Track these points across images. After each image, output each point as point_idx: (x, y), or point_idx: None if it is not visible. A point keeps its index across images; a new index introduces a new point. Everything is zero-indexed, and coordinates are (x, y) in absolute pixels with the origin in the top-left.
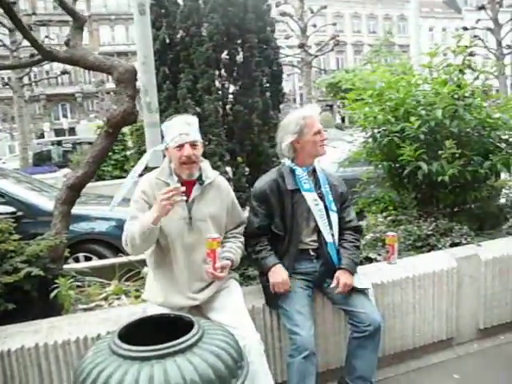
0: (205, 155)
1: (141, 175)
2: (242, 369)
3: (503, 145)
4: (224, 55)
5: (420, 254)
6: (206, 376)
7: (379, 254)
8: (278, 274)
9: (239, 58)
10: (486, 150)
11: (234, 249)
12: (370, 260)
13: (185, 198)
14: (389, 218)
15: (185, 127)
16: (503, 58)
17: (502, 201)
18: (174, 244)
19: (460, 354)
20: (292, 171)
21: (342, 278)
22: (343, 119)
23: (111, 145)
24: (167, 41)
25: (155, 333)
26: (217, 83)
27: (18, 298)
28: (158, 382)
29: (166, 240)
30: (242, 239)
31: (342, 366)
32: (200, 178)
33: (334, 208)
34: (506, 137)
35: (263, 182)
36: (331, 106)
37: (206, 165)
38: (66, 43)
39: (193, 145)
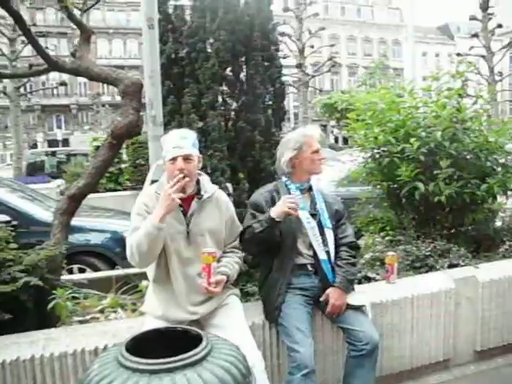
0: (207, 170)
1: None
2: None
3: (499, 168)
4: (228, 71)
5: (418, 274)
6: None
7: (378, 274)
8: (278, 204)
9: (243, 74)
10: (483, 173)
11: (231, 264)
12: (368, 279)
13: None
14: (387, 238)
15: (179, 141)
16: (495, 85)
17: (498, 224)
18: (172, 258)
19: (457, 376)
20: (287, 186)
21: (331, 297)
22: (336, 139)
23: (114, 156)
24: (173, 56)
25: (161, 346)
26: (219, 99)
27: (13, 308)
28: None
29: (164, 254)
30: (241, 254)
31: None
32: (198, 192)
33: (329, 225)
34: (503, 160)
35: (259, 194)
36: (325, 126)
37: (204, 179)
38: (73, 54)
39: (186, 159)
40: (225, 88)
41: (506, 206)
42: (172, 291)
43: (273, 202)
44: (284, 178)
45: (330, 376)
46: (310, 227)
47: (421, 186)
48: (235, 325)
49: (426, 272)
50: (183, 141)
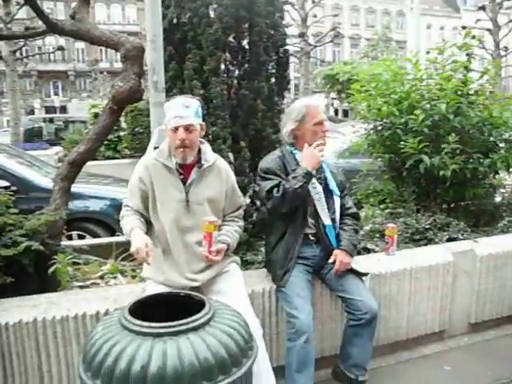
0: (208, 138)
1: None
2: (252, 349)
3: (502, 144)
4: (231, 38)
5: (417, 247)
6: (218, 354)
7: (377, 245)
8: (311, 158)
9: (246, 41)
10: (486, 148)
11: (231, 232)
12: (367, 251)
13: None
14: (386, 211)
15: (181, 110)
16: (500, 60)
17: (498, 199)
18: (171, 227)
19: (451, 347)
20: (293, 154)
21: (339, 255)
22: (336, 112)
23: (115, 122)
24: (175, 20)
25: (163, 311)
26: (222, 66)
27: (14, 272)
28: (171, 358)
29: (162, 223)
30: (241, 223)
31: (337, 354)
32: (199, 160)
33: (338, 192)
34: (507, 136)
35: (269, 159)
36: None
37: (206, 147)
38: (72, 16)
39: (187, 129)
40: (227, 55)
41: (507, 181)
42: (172, 259)
43: (285, 169)
44: (288, 147)
45: (328, 345)
46: (315, 193)
47: (426, 159)
48: (235, 291)
49: (425, 245)
50: (186, 110)
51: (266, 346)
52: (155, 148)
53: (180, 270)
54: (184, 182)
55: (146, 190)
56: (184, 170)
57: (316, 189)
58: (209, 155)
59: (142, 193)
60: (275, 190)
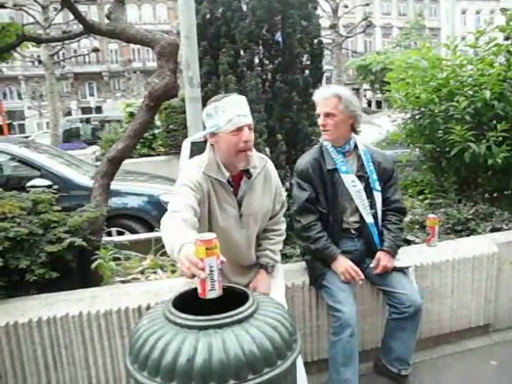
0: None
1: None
2: (296, 342)
3: None
4: (264, 31)
5: (459, 237)
6: (263, 347)
7: (417, 237)
8: (343, 264)
9: (279, 34)
10: None
11: (270, 249)
12: (407, 242)
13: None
14: (426, 202)
15: (242, 108)
16: None
17: None
18: (222, 239)
19: (496, 341)
20: (327, 150)
21: (382, 259)
22: (369, 103)
23: (152, 118)
24: (208, 16)
25: (206, 305)
26: (256, 60)
27: (58, 267)
28: (216, 351)
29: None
30: (283, 225)
31: (377, 348)
32: (247, 169)
33: (378, 188)
34: None
35: (305, 160)
36: (357, 90)
37: (253, 152)
38: (108, 16)
39: (250, 128)
40: (261, 48)
41: None
42: None
43: (320, 170)
44: (325, 142)
45: (369, 338)
46: (356, 191)
47: (474, 146)
48: (274, 290)
49: (468, 236)
50: (246, 108)
51: (305, 340)
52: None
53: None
54: (234, 193)
55: (202, 198)
56: (233, 179)
57: (356, 187)
58: (256, 160)
59: (199, 199)
60: (311, 228)
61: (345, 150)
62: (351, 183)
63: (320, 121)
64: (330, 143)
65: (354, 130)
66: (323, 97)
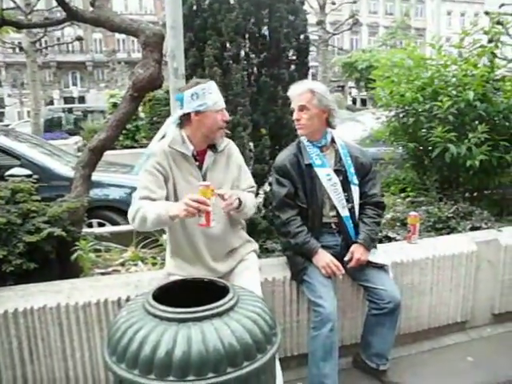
0: (228, 126)
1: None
2: (276, 336)
3: None
4: (250, 24)
5: (440, 235)
6: (243, 340)
7: (398, 234)
8: (324, 258)
9: (266, 28)
10: None
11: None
12: (389, 239)
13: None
14: (407, 199)
15: (220, 93)
16: None
17: None
18: (193, 221)
19: (473, 337)
20: (305, 146)
21: (356, 252)
22: (354, 101)
23: (136, 109)
24: (194, 7)
25: (187, 297)
26: (242, 53)
27: (37, 258)
28: (195, 343)
29: None
30: (253, 195)
31: (357, 343)
32: (213, 145)
33: (356, 181)
34: None
35: (284, 156)
36: (343, 87)
37: None
38: (92, 4)
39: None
40: (247, 41)
41: None
42: (192, 249)
43: (299, 166)
44: (302, 137)
45: (348, 334)
46: (330, 184)
47: (453, 148)
48: (248, 286)
49: (448, 234)
50: (220, 94)
51: (285, 334)
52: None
53: (200, 260)
54: (199, 167)
55: (166, 176)
56: (198, 156)
57: (331, 180)
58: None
59: (164, 178)
60: (291, 223)
61: (321, 144)
62: (326, 177)
63: (294, 115)
64: (306, 138)
65: (329, 124)
66: (297, 92)
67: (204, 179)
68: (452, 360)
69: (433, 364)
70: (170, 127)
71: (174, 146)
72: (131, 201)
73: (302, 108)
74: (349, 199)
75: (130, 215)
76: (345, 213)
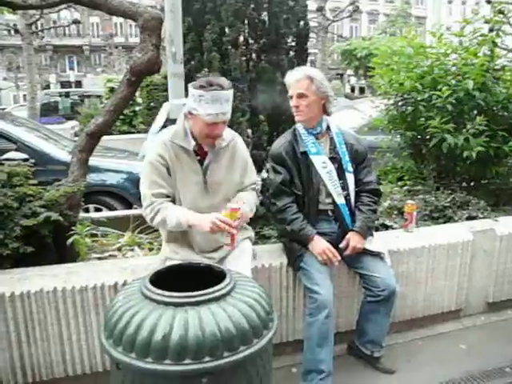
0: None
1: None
2: (272, 321)
3: None
4: (250, 10)
5: (436, 224)
6: (240, 325)
7: (395, 222)
8: (320, 245)
9: (265, 13)
10: (510, 126)
11: (245, 199)
12: (385, 227)
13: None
14: (405, 188)
15: (224, 106)
16: None
17: None
18: (189, 207)
19: (467, 326)
20: (300, 133)
21: (352, 240)
22: (353, 89)
23: (133, 94)
24: None
25: (184, 282)
26: (241, 38)
27: (34, 242)
28: (192, 327)
29: (180, 203)
30: (255, 194)
31: (352, 330)
32: None
33: (351, 169)
34: None
35: (279, 144)
36: (341, 75)
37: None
38: None
39: (224, 122)
40: (247, 27)
41: None
42: (187, 241)
43: (294, 153)
44: (298, 125)
45: (344, 320)
46: (326, 172)
47: (450, 138)
48: (241, 266)
49: (444, 223)
50: (227, 105)
51: (281, 320)
52: (163, 127)
53: (196, 249)
54: (201, 162)
55: (167, 167)
56: (199, 150)
57: (326, 168)
58: (225, 134)
59: (166, 170)
60: (287, 210)
61: (316, 131)
62: (321, 164)
63: (293, 102)
64: (302, 125)
65: (325, 111)
66: (295, 78)
67: (205, 175)
68: (445, 347)
69: (426, 351)
70: (179, 118)
71: (175, 140)
72: (128, 186)
73: (300, 95)
74: (344, 187)
75: (146, 213)
76: (340, 200)
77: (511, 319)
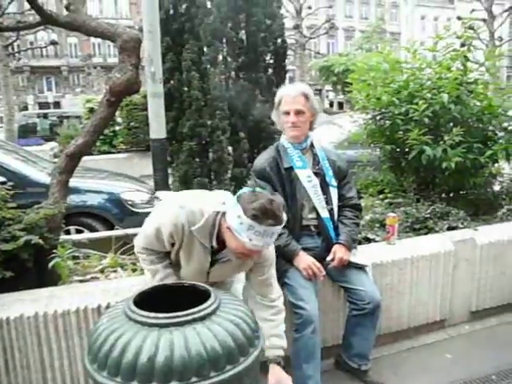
0: (207, 129)
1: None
2: (258, 338)
3: (502, 133)
4: (228, 29)
5: (418, 236)
6: (226, 344)
7: (377, 235)
8: (305, 260)
9: (243, 32)
10: (485, 138)
11: (275, 335)
12: (368, 240)
13: None
14: (386, 201)
15: (273, 238)
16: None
17: (497, 188)
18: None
19: (452, 335)
20: (285, 148)
21: (338, 252)
22: (331, 104)
23: (113, 114)
24: (171, 11)
25: (168, 302)
26: (220, 57)
27: (14, 266)
28: (178, 348)
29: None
30: (279, 300)
31: (339, 344)
32: None
33: (335, 184)
34: (506, 125)
35: (263, 159)
36: (320, 91)
37: None
38: (67, 7)
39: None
40: (225, 45)
41: (505, 170)
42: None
43: (278, 169)
44: (282, 139)
45: (330, 335)
46: (311, 186)
47: (429, 150)
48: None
49: (426, 234)
50: (272, 238)
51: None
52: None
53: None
54: (213, 252)
55: (173, 244)
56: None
57: (311, 182)
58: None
59: (171, 245)
60: None
61: (302, 147)
62: (306, 178)
63: (290, 118)
64: (287, 140)
65: (311, 127)
66: (293, 95)
67: (211, 266)
68: (431, 358)
69: (412, 362)
70: (205, 211)
71: (195, 233)
72: (109, 207)
73: (298, 112)
74: (328, 201)
75: (140, 256)
76: (325, 214)
77: (495, 327)
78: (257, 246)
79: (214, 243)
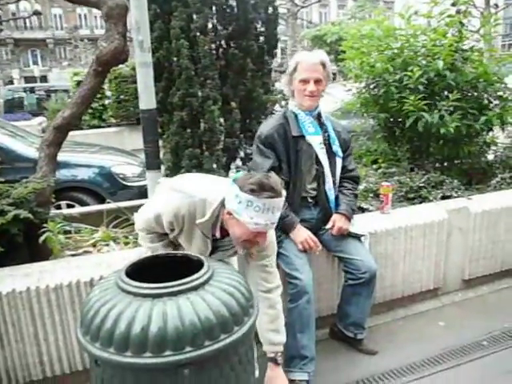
0: (198, 99)
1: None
2: (253, 308)
3: (497, 101)
4: None
5: (412, 205)
6: (219, 313)
7: (371, 205)
8: (302, 234)
9: None
10: (480, 105)
11: (272, 329)
12: (362, 210)
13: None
14: (379, 170)
15: (276, 215)
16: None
17: (491, 157)
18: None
19: (445, 303)
20: (296, 116)
21: (338, 221)
22: None
23: (100, 85)
24: None
25: (161, 273)
26: (209, 25)
27: (3, 242)
28: (171, 318)
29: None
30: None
31: (333, 314)
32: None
33: (341, 154)
34: (501, 93)
35: (270, 125)
36: None
37: None
38: None
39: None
40: (215, 12)
41: (499, 139)
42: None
43: (285, 137)
44: (291, 105)
45: (325, 305)
46: (323, 153)
47: (427, 116)
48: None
49: (420, 203)
50: (277, 214)
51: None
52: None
53: None
54: (214, 239)
55: (173, 230)
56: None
57: (323, 149)
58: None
59: (171, 231)
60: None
61: (312, 114)
62: (319, 145)
63: (309, 87)
64: (298, 107)
65: None
66: (312, 62)
67: (213, 249)
68: (425, 326)
69: (407, 331)
70: (209, 205)
71: (200, 226)
72: (100, 181)
73: (318, 80)
74: (332, 171)
75: (140, 234)
76: (329, 184)
77: (487, 295)
78: (259, 224)
79: (218, 234)
